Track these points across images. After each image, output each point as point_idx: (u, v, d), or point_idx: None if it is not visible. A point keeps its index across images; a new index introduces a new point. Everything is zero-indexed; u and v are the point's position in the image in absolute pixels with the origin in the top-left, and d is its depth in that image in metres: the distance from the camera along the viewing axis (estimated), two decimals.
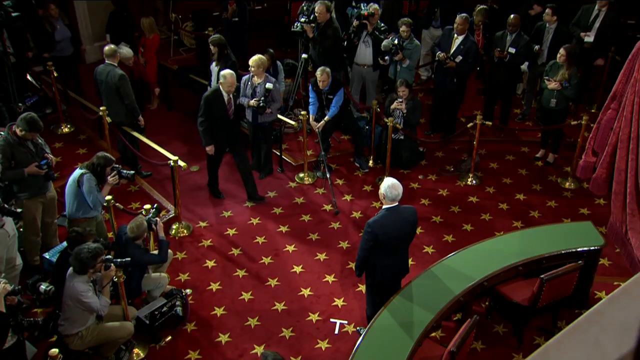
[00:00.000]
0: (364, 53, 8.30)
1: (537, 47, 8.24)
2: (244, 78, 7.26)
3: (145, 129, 7.51)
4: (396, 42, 7.76)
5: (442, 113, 8.57)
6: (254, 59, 7.04)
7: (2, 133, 5.66)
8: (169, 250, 6.05)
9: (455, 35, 7.89)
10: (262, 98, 7.02)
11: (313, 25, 8.04)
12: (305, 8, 8.49)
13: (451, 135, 8.42)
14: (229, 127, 6.92)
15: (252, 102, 7.09)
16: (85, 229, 5.34)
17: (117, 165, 5.78)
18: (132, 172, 5.90)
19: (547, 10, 8.17)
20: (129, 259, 5.03)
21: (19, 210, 5.29)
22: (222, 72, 6.73)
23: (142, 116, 7.39)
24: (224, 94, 6.72)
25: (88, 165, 5.60)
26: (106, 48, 7.13)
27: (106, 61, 7.10)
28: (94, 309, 4.82)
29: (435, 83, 8.68)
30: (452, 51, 7.88)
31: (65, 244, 6.11)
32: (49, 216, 6.04)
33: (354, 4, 8.90)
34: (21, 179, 5.55)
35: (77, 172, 5.60)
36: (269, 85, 7.05)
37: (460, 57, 7.83)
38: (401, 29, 7.85)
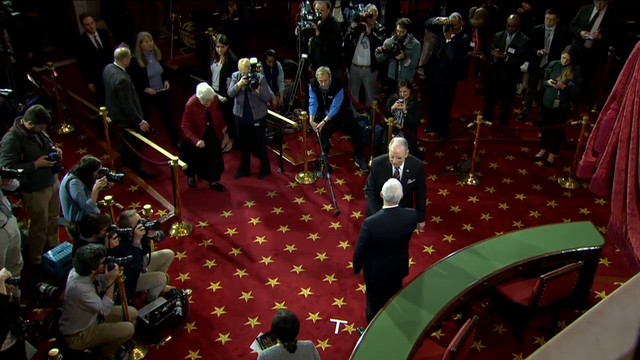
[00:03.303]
0: (362, 54, 8.30)
1: (540, 51, 8.21)
2: (234, 73, 7.23)
3: (147, 134, 7.44)
4: (397, 41, 7.77)
5: (435, 111, 8.59)
6: (242, 64, 7.02)
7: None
8: (169, 250, 6.06)
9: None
10: (250, 74, 6.97)
11: (320, 22, 8.07)
12: (309, 7, 8.48)
13: (445, 136, 8.45)
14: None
15: (242, 80, 7.03)
16: (101, 215, 5.35)
17: (105, 168, 5.72)
18: (122, 174, 5.78)
19: (550, 16, 8.09)
20: (130, 256, 5.03)
21: (19, 170, 5.26)
22: (394, 139, 5.58)
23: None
24: (393, 166, 5.50)
25: (74, 170, 5.58)
26: (117, 50, 7.06)
27: (114, 62, 7.05)
28: (96, 310, 4.82)
29: (429, 79, 8.76)
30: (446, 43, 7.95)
31: (65, 243, 6.14)
32: (51, 210, 6.04)
33: (351, 4, 8.90)
34: (31, 172, 5.54)
35: (66, 177, 5.60)
36: (253, 60, 7.05)
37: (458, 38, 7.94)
38: (397, 29, 7.85)
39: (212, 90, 6.91)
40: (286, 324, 4.04)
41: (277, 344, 4.12)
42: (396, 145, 5.38)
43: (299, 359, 4.10)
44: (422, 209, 5.72)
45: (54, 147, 5.77)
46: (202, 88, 6.83)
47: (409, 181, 5.46)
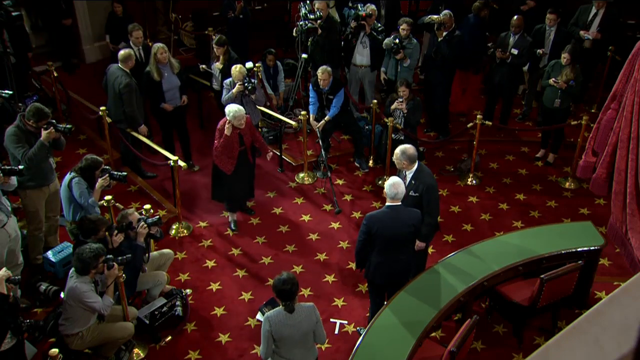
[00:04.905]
0: (362, 54, 8.30)
1: (540, 50, 8.21)
2: (227, 81, 7.12)
3: (147, 136, 7.40)
4: (397, 40, 7.77)
5: (433, 110, 8.60)
6: (236, 71, 6.97)
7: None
8: (169, 250, 6.06)
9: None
10: (246, 80, 6.91)
11: (320, 22, 8.08)
12: (310, 7, 8.51)
13: (445, 136, 8.44)
14: None
15: (237, 86, 6.89)
16: (98, 217, 5.35)
17: (107, 167, 5.71)
18: (124, 173, 5.76)
19: (551, 16, 8.09)
20: (129, 255, 5.03)
21: (20, 167, 5.30)
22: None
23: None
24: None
25: (76, 169, 5.58)
26: (121, 52, 6.96)
27: (119, 64, 6.96)
28: (96, 309, 4.82)
29: (425, 78, 8.76)
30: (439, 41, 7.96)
31: (65, 243, 6.15)
32: (50, 210, 6.04)
33: (350, 4, 8.91)
34: (45, 153, 5.55)
35: (68, 176, 5.59)
36: (249, 64, 7.02)
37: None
38: (401, 27, 7.85)
39: (243, 108, 6.28)
40: (285, 285, 4.16)
41: (280, 307, 4.26)
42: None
43: (301, 319, 4.23)
44: (426, 228, 5.31)
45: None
46: (232, 108, 6.19)
47: (412, 193, 5.24)
